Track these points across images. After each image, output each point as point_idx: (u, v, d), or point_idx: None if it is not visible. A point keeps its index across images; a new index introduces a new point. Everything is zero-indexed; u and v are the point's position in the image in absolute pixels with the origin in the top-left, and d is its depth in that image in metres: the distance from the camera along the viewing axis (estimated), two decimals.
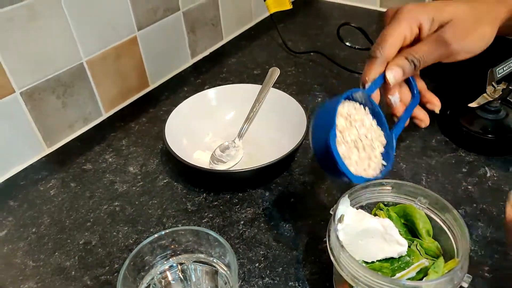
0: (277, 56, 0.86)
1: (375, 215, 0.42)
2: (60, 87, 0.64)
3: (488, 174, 0.56)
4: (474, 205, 0.52)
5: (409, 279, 0.38)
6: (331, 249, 0.38)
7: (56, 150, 0.66)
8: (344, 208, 0.40)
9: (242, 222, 0.52)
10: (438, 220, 0.41)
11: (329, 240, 0.39)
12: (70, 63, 0.64)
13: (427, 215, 0.42)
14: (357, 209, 0.41)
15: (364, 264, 0.38)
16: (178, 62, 0.84)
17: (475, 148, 0.60)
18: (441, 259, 0.39)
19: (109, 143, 0.66)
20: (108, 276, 0.47)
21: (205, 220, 0.53)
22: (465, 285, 0.36)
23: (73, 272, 0.48)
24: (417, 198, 0.42)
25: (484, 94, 0.60)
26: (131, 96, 0.76)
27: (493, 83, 0.59)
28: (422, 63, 0.44)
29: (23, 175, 0.61)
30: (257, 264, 0.47)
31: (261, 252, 0.49)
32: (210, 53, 0.89)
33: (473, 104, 0.61)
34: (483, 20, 0.43)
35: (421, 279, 0.38)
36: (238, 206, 0.54)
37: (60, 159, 0.64)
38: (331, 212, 0.40)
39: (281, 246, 0.49)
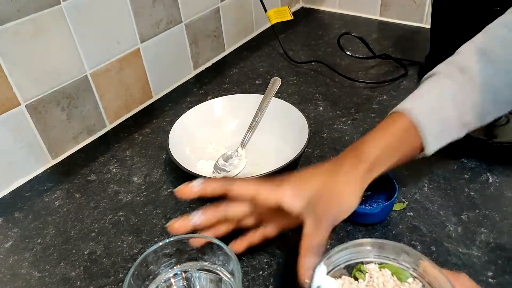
0: (278, 66, 0.87)
1: (356, 278, 0.38)
2: (65, 99, 0.65)
3: (490, 180, 0.57)
4: (477, 211, 0.52)
5: None
6: None
7: (60, 161, 0.66)
8: (321, 278, 0.36)
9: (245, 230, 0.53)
10: (426, 283, 0.36)
11: None
12: (75, 76, 0.65)
13: (413, 276, 0.37)
14: (336, 274, 0.37)
15: None
16: (181, 73, 0.85)
17: (477, 154, 0.60)
18: None
19: (113, 154, 0.67)
20: (113, 286, 0.47)
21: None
22: None
23: (78, 282, 0.48)
24: (400, 257, 0.38)
25: None
26: (135, 107, 0.77)
27: None
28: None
29: (28, 186, 0.62)
30: (260, 272, 0.48)
31: (265, 260, 0.49)
32: (213, 64, 0.90)
33: None
34: (343, 190, 0.43)
35: None
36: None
37: (64, 170, 0.65)
38: (306, 281, 0.37)
39: (285, 254, 0.49)
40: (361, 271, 0.37)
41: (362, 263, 0.38)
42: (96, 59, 0.67)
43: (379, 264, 0.38)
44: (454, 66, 0.47)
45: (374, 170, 0.44)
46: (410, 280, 0.36)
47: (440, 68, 0.48)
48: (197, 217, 0.44)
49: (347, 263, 0.38)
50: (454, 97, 0.45)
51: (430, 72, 0.49)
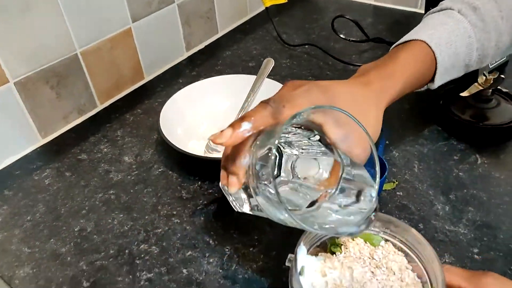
0: (272, 48, 0.86)
1: (332, 252, 0.38)
2: (54, 78, 0.64)
3: (479, 162, 0.57)
4: (465, 190, 0.53)
5: None
6: None
7: (51, 141, 0.66)
8: (303, 258, 0.36)
9: None
10: (397, 242, 0.37)
11: None
12: (64, 54, 0.64)
13: (384, 238, 0.38)
14: (313, 252, 0.37)
15: None
16: (173, 55, 0.84)
17: (466, 136, 0.61)
18: None
19: (104, 134, 0.67)
20: (104, 261, 0.48)
21: (200, 207, 0.53)
22: None
23: (68, 258, 0.48)
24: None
25: (476, 84, 0.61)
26: (126, 88, 0.76)
27: (484, 72, 0.60)
28: None
29: (18, 165, 0.62)
30: (251, 249, 0.48)
31: (255, 237, 0.49)
32: (205, 46, 0.90)
33: (464, 94, 0.62)
34: (365, 109, 0.40)
35: None
36: None
37: (55, 150, 0.64)
38: (287, 264, 0.36)
39: (275, 231, 0.50)
40: (336, 244, 0.38)
41: (334, 237, 0.39)
42: (86, 38, 0.66)
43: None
44: (466, 4, 0.47)
45: (390, 103, 0.43)
46: (383, 243, 0.37)
47: (451, 3, 0.48)
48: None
49: (321, 240, 0.38)
50: (467, 35, 0.45)
51: (440, 6, 0.48)
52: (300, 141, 0.38)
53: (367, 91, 0.40)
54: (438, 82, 0.47)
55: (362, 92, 0.39)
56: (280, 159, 0.35)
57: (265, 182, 0.33)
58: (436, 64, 0.45)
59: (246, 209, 0.38)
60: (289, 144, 0.38)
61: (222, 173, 0.38)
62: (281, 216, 0.32)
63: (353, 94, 0.39)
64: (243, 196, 0.37)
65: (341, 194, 0.36)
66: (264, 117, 0.35)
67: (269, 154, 0.32)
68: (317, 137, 0.37)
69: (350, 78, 0.43)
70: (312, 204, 0.36)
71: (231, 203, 0.39)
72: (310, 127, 0.37)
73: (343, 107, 0.35)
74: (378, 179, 0.34)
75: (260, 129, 0.35)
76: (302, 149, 0.38)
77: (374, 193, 0.34)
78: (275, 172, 0.31)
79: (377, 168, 0.34)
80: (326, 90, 0.37)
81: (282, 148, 0.37)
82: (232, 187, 0.35)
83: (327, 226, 0.34)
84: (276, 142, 0.31)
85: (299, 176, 0.38)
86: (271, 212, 0.34)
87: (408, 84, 0.43)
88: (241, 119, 0.35)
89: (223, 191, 0.39)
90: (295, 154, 0.38)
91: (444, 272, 0.33)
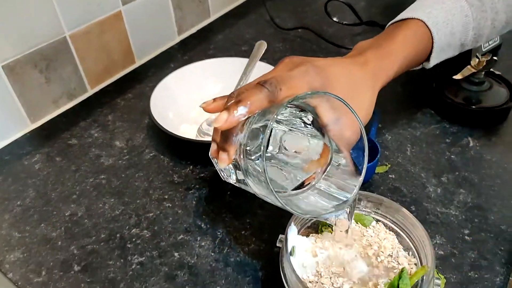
0: (265, 32, 0.85)
1: (322, 231, 0.38)
2: (43, 61, 0.63)
3: (471, 144, 0.57)
4: (457, 173, 0.53)
5: None
6: None
7: (40, 126, 0.65)
8: (294, 238, 0.36)
9: (228, 193, 0.53)
10: (388, 222, 0.38)
11: (285, 278, 0.34)
12: (53, 37, 0.63)
13: (375, 219, 0.39)
14: (304, 233, 0.37)
15: None
16: (165, 39, 0.83)
17: (459, 119, 0.61)
18: (404, 270, 0.34)
19: (95, 119, 0.66)
20: (95, 246, 0.47)
21: (191, 191, 0.53)
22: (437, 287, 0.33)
23: (59, 242, 0.48)
24: (361, 204, 0.39)
25: (469, 66, 0.61)
26: (117, 72, 0.75)
27: (477, 54, 0.59)
28: None
29: (7, 150, 0.61)
30: (243, 232, 0.48)
31: (247, 220, 0.49)
32: (198, 30, 0.88)
33: (457, 76, 0.61)
34: (360, 89, 0.40)
35: None
36: None
37: (44, 135, 0.63)
38: (278, 245, 0.36)
39: (267, 214, 0.50)
40: (327, 225, 0.38)
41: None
42: (75, 20, 0.65)
43: None
44: None
45: (386, 83, 0.42)
46: (374, 223, 0.37)
47: None
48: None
49: (312, 221, 0.38)
50: (463, 14, 0.45)
51: None
52: (291, 119, 0.37)
53: (364, 71, 0.39)
54: (434, 61, 0.46)
55: (359, 73, 0.39)
56: (269, 136, 0.35)
57: (253, 158, 0.32)
58: (432, 43, 0.44)
59: (232, 180, 0.38)
60: (279, 121, 0.37)
61: (213, 146, 0.37)
62: (267, 195, 0.32)
63: (350, 75, 0.38)
64: (231, 169, 0.37)
65: (327, 179, 0.36)
66: (260, 100, 0.34)
67: (260, 133, 0.32)
68: (311, 118, 0.36)
69: (347, 55, 0.42)
70: (298, 187, 0.36)
71: (218, 171, 0.39)
72: (304, 108, 0.36)
73: (340, 88, 0.35)
74: (365, 164, 0.34)
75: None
76: (292, 126, 0.38)
77: (358, 182, 0.34)
78: (266, 151, 0.30)
79: (365, 153, 0.34)
80: (323, 71, 0.37)
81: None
82: (222, 163, 0.35)
83: (310, 209, 0.33)
84: (272, 123, 0.31)
85: (287, 148, 0.37)
86: (256, 188, 0.33)
87: (405, 64, 0.43)
88: (237, 102, 0.34)
89: (212, 160, 0.39)
90: (284, 130, 0.37)
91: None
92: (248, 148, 0.33)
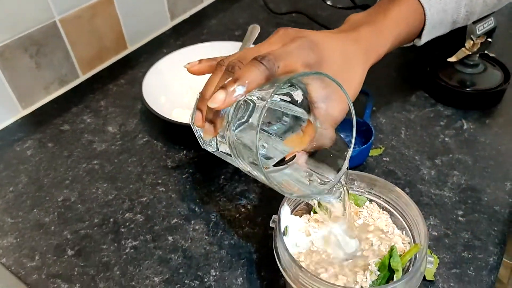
0: (258, 17, 0.84)
1: (315, 212, 0.38)
2: (33, 46, 0.62)
3: (465, 127, 0.57)
4: (450, 155, 0.53)
5: (375, 280, 0.33)
6: (284, 269, 0.33)
7: (32, 112, 0.64)
8: (287, 218, 0.36)
9: (222, 177, 0.52)
10: (382, 202, 0.38)
11: (278, 257, 0.33)
12: (42, 21, 0.62)
13: (369, 199, 0.39)
14: (297, 214, 0.37)
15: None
16: (157, 25, 0.82)
17: (453, 102, 0.60)
18: (394, 248, 0.34)
19: (87, 105, 0.65)
20: (88, 230, 0.47)
21: (185, 175, 0.53)
22: (430, 266, 0.33)
23: (52, 227, 0.48)
24: (354, 184, 0.39)
25: (463, 48, 0.60)
26: (109, 58, 0.74)
27: (472, 36, 0.59)
28: None
29: None
30: (237, 215, 0.48)
31: (241, 204, 0.49)
32: (190, 16, 0.87)
33: (452, 59, 0.61)
34: (353, 66, 0.39)
35: (392, 277, 0.33)
36: (218, 162, 0.54)
37: (36, 121, 0.63)
38: (271, 225, 0.36)
39: (260, 197, 0.50)
40: (321, 205, 0.38)
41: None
42: (65, 5, 0.64)
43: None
44: None
45: (377, 61, 0.41)
46: (367, 203, 0.37)
47: None
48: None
49: (306, 201, 0.38)
50: None
51: None
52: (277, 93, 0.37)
53: (357, 48, 0.39)
54: (425, 38, 0.46)
55: (352, 49, 0.38)
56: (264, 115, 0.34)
57: (239, 131, 0.32)
58: (424, 20, 0.44)
59: (211, 149, 0.37)
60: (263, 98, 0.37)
61: (198, 115, 0.36)
62: (252, 170, 0.32)
63: (343, 51, 0.38)
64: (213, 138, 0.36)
65: (311, 157, 0.36)
66: (258, 79, 0.32)
67: (250, 106, 0.32)
68: (300, 96, 0.36)
69: (340, 28, 0.42)
70: (280, 163, 0.36)
71: (197, 138, 0.39)
72: (295, 84, 0.36)
73: (333, 65, 0.35)
74: (353, 139, 0.34)
75: None
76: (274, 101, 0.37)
77: (344, 165, 0.34)
78: (259, 131, 0.30)
79: (354, 129, 0.34)
80: (317, 47, 0.36)
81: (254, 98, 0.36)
82: (207, 135, 0.34)
83: (296, 189, 0.33)
84: (269, 103, 0.30)
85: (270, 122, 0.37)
86: (240, 162, 0.33)
87: (397, 41, 0.43)
88: (234, 80, 0.32)
89: (192, 126, 0.38)
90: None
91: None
92: (237, 121, 0.32)
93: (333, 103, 0.35)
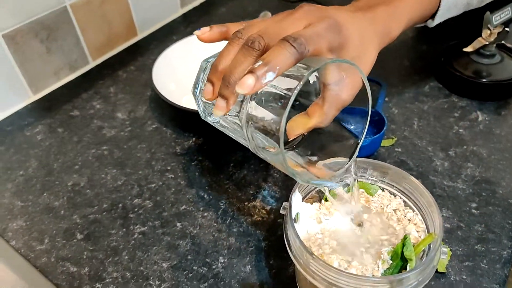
0: (268, 4, 0.83)
1: (326, 200, 0.37)
2: (44, 31, 0.61)
3: (480, 118, 0.56)
4: (464, 147, 0.52)
5: (387, 269, 0.32)
6: (294, 257, 0.32)
7: (42, 97, 0.64)
8: (298, 205, 0.35)
9: (232, 164, 0.52)
10: (395, 191, 0.37)
11: (288, 245, 0.33)
12: (53, 6, 0.61)
13: (381, 188, 0.38)
14: (309, 201, 0.36)
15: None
16: (167, 12, 0.81)
17: (468, 93, 0.59)
18: (407, 237, 0.33)
19: (97, 91, 0.65)
20: (97, 215, 0.47)
21: (194, 162, 0.53)
22: (444, 257, 0.32)
23: (62, 212, 0.48)
24: (367, 173, 0.38)
25: (480, 38, 0.59)
26: (119, 45, 0.74)
27: (489, 26, 0.57)
28: None
29: (9, 121, 0.60)
30: (246, 203, 0.47)
31: (251, 192, 0.49)
32: (201, 3, 0.86)
33: (468, 49, 0.60)
34: (368, 49, 0.38)
35: (404, 266, 0.32)
36: (228, 149, 0.54)
37: (46, 106, 0.63)
38: (282, 212, 0.36)
39: (270, 186, 0.49)
40: (332, 192, 0.37)
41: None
42: None
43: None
44: None
45: (388, 43, 0.41)
46: (379, 192, 0.36)
47: None
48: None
49: (317, 189, 0.38)
50: None
51: None
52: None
53: (373, 30, 0.38)
54: (438, 20, 0.45)
55: (368, 31, 0.38)
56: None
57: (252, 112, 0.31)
58: (440, 1, 0.43)
59: (210, 120, 0.37)
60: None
61: (208, 87, 0.34)
62: (260, 150, 0.31)
63: (361, 33, 0.37)
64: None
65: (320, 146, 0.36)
66: (288, 63, 0.30)
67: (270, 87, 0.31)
68: (314, 77, 0.35)
69: (356, 5, 0.40)
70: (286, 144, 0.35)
71: (197, 107, 0.37)
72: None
73: (353, 48, 0.35)
74: (367, 124, 0.33)
75: None
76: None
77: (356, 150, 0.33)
78: (286, 120, 0.29)
79: (369, 111, 0.33)
80: (341, 30, 0.35)
81: None
82: (218, 111, 0.32)
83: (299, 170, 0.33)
84: (298, 90, 0.29)
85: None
86: (252, 140, 0.32)
87: (411, 23, 0.42)
88: (265, 65, 0.29)
89: (195, 96, 0.36)
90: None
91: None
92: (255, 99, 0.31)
93: (345, 86, 0.34)
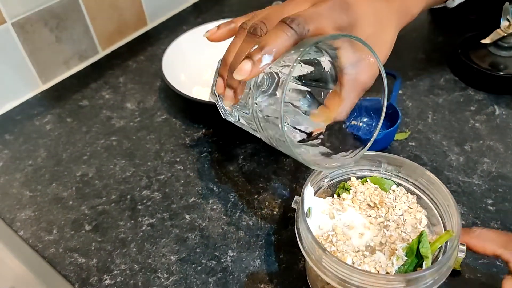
0: None
1: (339, 195, 0.37)
2: (53, 20, 0.61)
3: (497, 112, 0.54)
4: (481, 141, 0.51)
5: (402, 266, 0.31)
6: (306, 252, 0.31)
7: (51, 87, 0.64)
8: (310, 199, 0.34)
9: (241, 157, 0.51)
10: (410, 186, 0.36)
11: (300, 239, 0.32)
12: None
13: (396, 182, 0.37)
14: (321, 196, 0.35)
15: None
16: (178, 1, 0.80)
17: (485, 86, 0.57)
18: (424, 233, 0.32)
19: (106, 80, 0.64)
20: (105, 206, 0.47)
21: (204, 154, 0.52)
22: (461, 255, 0.31)
23: (70, 202, 0.47)
24: (381, 167, 0.37)
25: (498, 30, 0.57)
26: (129, 34, 0.73)
27: (508, 17, 0.56)
28: None
29: (18, 110, 0.60)
30: (255, 196, 0.47)
31: (260, 185, 0.48)
32: None
33: (486, 40, 0.58)
34: (385, 28, 0.37)
35: (419, 264, 0.31)
36: (238, 141, 0.53)
37: (55, 96, 0.62)
38: (293, 206, 0.35)
39: (280, 179, 0.48)
40: (345, 188, 0.36)
41: (344, 180, 0.37)
42: None
43: (361, 178, 0.37)
44: None
45: (408, 23, 0.39)
46: (394, 187, 0.35)
47: None
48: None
49: (329, 183, 0.37)
50: None
51: None
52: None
53: (390, 8, 0.36)
54: (457, 1, 0.43)
55: (385, 10, 0.36)
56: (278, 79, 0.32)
57: (260, 101, 0.31)
58: None
59: (232, 119, 0.36)
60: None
61: (219, 81, 0.34)
62: (274, 139, 0.31)
63: (376, 12, 0.35)
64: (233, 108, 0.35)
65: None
66: (286, 46, 0.30)
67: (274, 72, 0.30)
68: (328, 63, 0.34)
69: None
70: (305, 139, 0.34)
71: (218, 108, 0.38)
72: (324, 49, 0.34)
73: (366, 28, 0.33)
74: (382, 115, 0.32)
75: None
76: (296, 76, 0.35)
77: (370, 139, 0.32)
78: (284, 98, 0.28)
79: (385, 96, 0.32)
80: (350, 8, 0.33)
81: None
82: (227, 101, 0.32)
83: (316, 158, 0.32)
84: (294, 67, 0.28)
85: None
86: (264, 132, 0.31)
87: (430, 3, 0.40)
88: (260, 49, 0.29)
89: (212, 96, 0.37)
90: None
91: (475, 238, 0.31)
92: (258, 90, 0.31)
93: (362, 68, 0.33)
